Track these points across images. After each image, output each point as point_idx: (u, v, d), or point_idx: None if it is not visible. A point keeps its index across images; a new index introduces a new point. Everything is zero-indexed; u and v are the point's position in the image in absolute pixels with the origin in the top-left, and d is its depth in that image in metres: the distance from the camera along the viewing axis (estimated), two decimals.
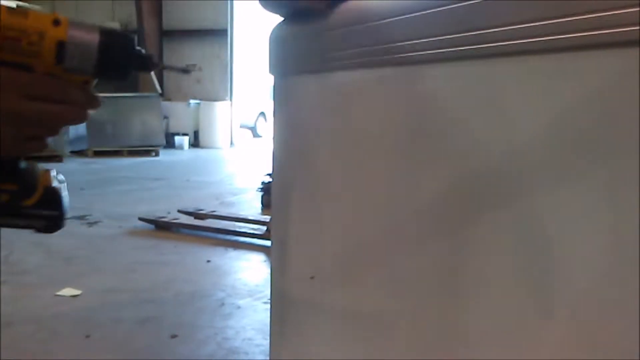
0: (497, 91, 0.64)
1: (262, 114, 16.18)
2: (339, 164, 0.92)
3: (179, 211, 5.04)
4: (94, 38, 0.63)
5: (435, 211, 0.74)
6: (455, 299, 0.71)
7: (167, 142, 11.60)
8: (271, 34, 1.04)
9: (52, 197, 0.69)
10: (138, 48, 0.67)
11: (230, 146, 12.87)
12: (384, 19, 0.78)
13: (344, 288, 0.94)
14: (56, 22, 0.61)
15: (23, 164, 0.68)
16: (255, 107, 15.74)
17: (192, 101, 12.72)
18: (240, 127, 13.87)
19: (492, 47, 0.61)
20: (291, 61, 1.01)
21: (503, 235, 0.64)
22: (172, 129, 12.46)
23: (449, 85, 0.70)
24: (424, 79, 0.73)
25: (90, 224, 4.73)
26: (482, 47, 0.63)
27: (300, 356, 1.05)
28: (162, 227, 4.59)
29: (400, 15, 0.75)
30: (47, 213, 0.69)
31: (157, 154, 10.66)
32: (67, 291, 3.01)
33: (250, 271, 3.54)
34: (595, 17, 0.51)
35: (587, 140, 0.54)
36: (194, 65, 12.22)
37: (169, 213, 4.93)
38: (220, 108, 12.71)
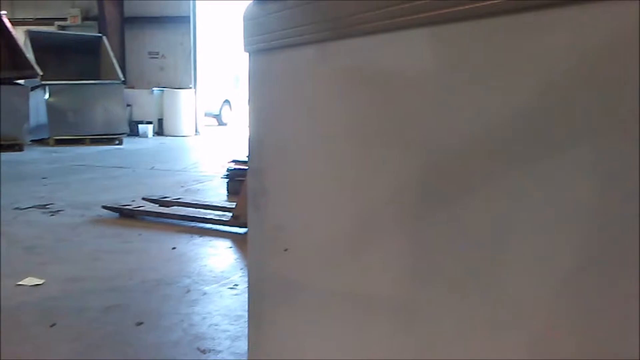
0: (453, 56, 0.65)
1: (227, 101, 16.07)
2: (312, 140, 0.94)
3: (144, 199, 4.99)
4: None
5: (400, 192, 0.75)
6: (425, 279, 0.73)
7: (130, 130, 11.45)
8: (245, 10, 1.06)
9: None
10: None
11: (195, 134, 12.77)
12: None
13: (319, 264, 0.95)
14: None
15: None
16: (219, 95, 15.62)
17: (155, 89, 12.55)
18: (205, 115, 13.76)
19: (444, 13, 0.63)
20: (263, 37, 1.02)
21: (469, 217, 0.66)
22: (136, 117, 12.30)
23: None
24: (397, 50, 0.74)
25: (53, 213, 4.65)
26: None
27: (277, 333, 1.07)
28: (126, 215, 4.54)
29: None
30: None
31: (120, 142, 10.51)
32: (29, 280, 2.96)
33: (216, 257, 3.53)
34: None
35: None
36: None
37: (133, 201, 4.88)
38: (184, 96, 12.58)
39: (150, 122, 12.30)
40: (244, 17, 1.06)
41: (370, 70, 0.78)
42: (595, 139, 0.51)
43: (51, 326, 2.42)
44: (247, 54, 1.08)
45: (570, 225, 0.53)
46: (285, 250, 1.01)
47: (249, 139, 1.11)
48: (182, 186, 6.08)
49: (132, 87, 12.44)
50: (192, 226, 4.25)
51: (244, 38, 1.07)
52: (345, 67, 0.83)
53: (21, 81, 9.40)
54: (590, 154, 0.52)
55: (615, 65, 0.49)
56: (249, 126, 1.12)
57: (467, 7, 0.60)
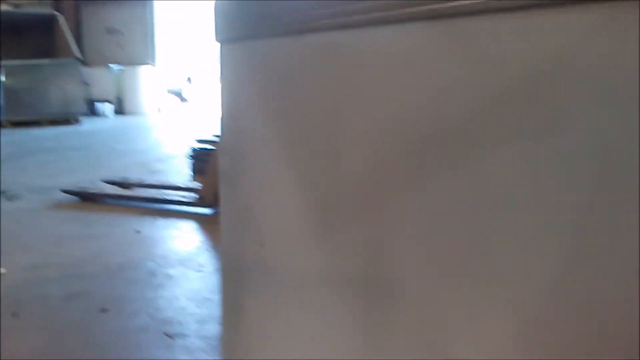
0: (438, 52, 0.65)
1: (189, 79, 15.85)
2: (285, 131, 0.93)
3: (105, 181, 4.90)
4: None
5: (372, 173, 0.75)
6: (397, 263, 0.74)
7: (89, 110, 11.21)
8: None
9: None
10: None
11: (157, 112, 12.57)
12: None
13: (294, 253, 0.95)
14: None
15: None
16: (182, 71, 15.39)
17: (113, 65, 12.27)
18: (168, 92, 13.55)
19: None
20: (235, 26, 1.01)
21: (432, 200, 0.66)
22: (95, 96, 12.03)
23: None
24: (369, 43, 0.74)
25: (10, 199, 4.54)
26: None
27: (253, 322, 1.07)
28: (87, 198, 4.46)
29: None
30: None
31: (78, 122, 10.29)
32: None
33: (181, 239, 3.50)
34: None
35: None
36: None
37: (94, 184, 4.79)
38: (144, 73, 12.33)
39: (109, 101, 12.05)
40: (216, 7, 1.05)
41: (338, 61, 0.78)
42: (595, 136, 0.51)
43: (14, 315, 2.38)
44: (219, 44, 1.07)
45: (560, 217, 0.54)
46: (259, 233, 1.01)
47: (222, 124, 1.10)
48: (144, 166, 6.00)
49: (90, 65, 12.14)
50: (156, 208, 4.20)
51: (216, 27, 1.06)
52: (316, 57, 0.83)
53: None
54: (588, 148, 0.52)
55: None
56: (221, 116, 1.11)
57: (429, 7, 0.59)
